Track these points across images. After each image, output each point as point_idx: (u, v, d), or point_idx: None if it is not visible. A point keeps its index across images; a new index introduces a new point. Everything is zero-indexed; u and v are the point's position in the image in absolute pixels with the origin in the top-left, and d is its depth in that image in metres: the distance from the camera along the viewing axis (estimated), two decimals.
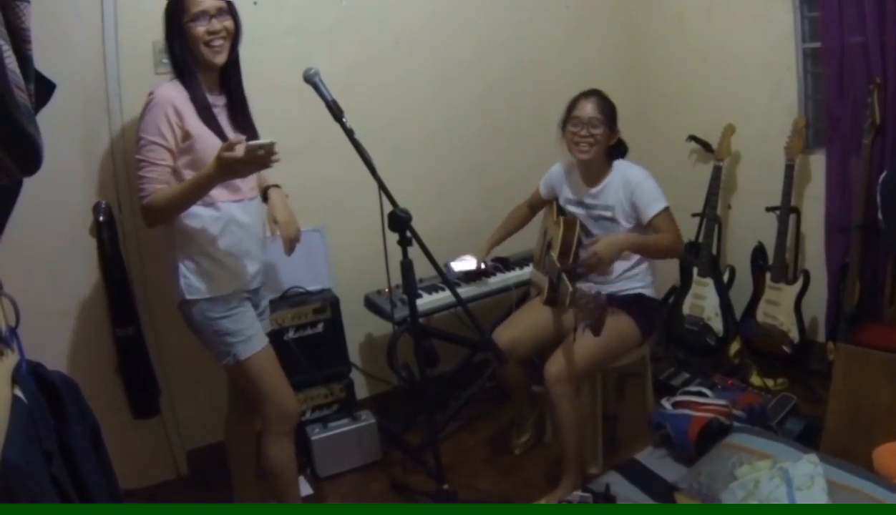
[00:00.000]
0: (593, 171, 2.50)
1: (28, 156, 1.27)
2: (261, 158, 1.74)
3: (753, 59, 3.08)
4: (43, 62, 1.48)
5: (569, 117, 2.46)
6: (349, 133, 1.91)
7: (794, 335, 2.88)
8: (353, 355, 2.98)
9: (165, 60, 2.38)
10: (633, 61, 3.57)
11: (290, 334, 2.66)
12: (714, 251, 3.17)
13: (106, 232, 2.40)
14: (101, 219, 2.39)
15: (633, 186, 2.41)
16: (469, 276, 2.86)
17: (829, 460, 2.02)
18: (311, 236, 2.75)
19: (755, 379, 2.98)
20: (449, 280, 2.08)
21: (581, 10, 3.38)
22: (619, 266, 2.51)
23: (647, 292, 2.56)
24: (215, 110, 1.97)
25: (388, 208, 1.92)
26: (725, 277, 3.15)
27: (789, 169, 2.86)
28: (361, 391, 3.00)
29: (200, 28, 1.89)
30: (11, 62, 1.21)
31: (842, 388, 2.33)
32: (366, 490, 2.62)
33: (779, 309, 2.91)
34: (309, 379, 2.69)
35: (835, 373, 2.37)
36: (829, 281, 2.88)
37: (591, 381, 2.53)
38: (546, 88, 3.21)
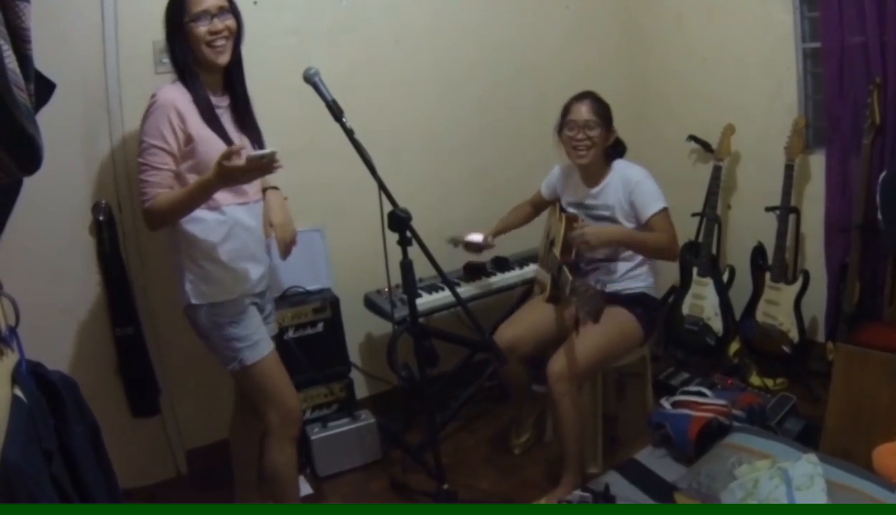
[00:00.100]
0: (593, 172, 2.51)
1: (28, 156, 1.27)
2: (263, 165, 1.72)
3: (753, 59, 3.08)
4: (43, 62, 1.48)
5: (564, 121, 2.47)
6: (349, 133, 1.91)
7: (794, 335, 2.88)
8: (353, 355, 2.98)
9: (165, 60, 2.38)
10: (633, 61, 3.57)
11: (290, 334, 2.66)
12: (714, 251, 3.17)
13: (106, 231, 2.40)
14: (100, 218, 2.39)
15: (631, 185, 2.41)
16: (471, 270, 2.89)
17: (829, 460, 2.02)
18: (311, 236, 2.75)
19: (755, 379, 2.98)
20: (449, 279, 2.08)
21: (581, 11, 3.38)
22: (623, 266, 2.52)
23: (650, 292, 2.56)
24: (219, 111, 1.95)
25: (388, 208, 1.92)
26: (725, 277, 3.15)
27: (789, 169, 2.86)
28: (361, 390, 3.00)
29: (202, 28, 1.86)
30: (11, 62, 1.21)
31: (841, 388, 2.33)
32: (366, 489, 2.62)
33: (778, 309, 2.91)
34: (309, 379, 2.69)
35: (834, 373, 2.37)
36: (829, 281, 2.88)
37: (592, 381, 2.53)
38: (546, 88, 3.21)
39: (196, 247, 1.93)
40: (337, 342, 2.78)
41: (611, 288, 2.47)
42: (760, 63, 3.05)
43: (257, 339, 2.00)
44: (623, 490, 2.40)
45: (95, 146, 2.38)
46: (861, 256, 2.66)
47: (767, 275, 2.96)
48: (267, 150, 1.71)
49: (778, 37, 2.96)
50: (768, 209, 2.96)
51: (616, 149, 2.52)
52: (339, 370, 2.81)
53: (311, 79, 1.94)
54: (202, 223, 1.92)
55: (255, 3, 2.56)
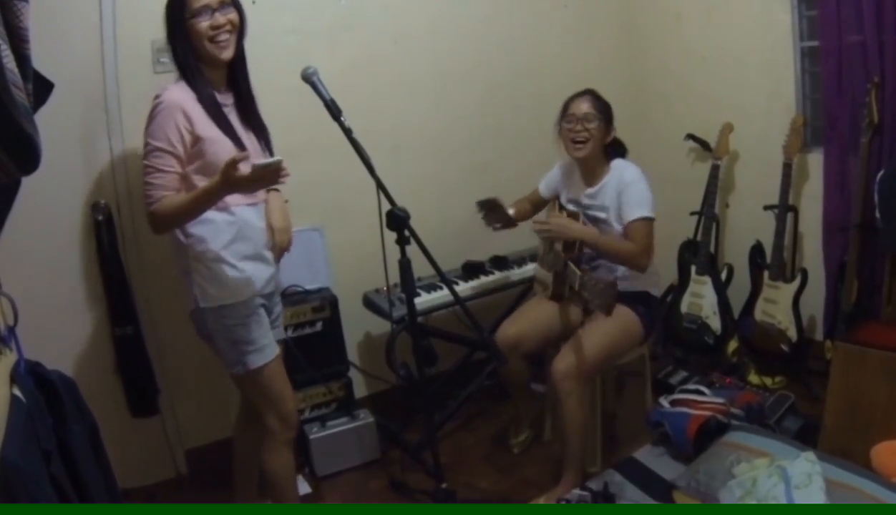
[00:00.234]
0: (591, 170, 2.50)
1: (26, 156, 1.27)
2: (269, 176, 1.70)
3: (752, 58, 3.08)
4: (41, 61, 1.49)
5: (563, 116, 2.47)
6: (347, 132, 1.91)
7: (792, 333, 2.88)
8: (352, 354, 2.98)
9: (164, 59, 2.39)
10: (632, 61, 3.57)
11: (289, 333, 2.65)
12: (712, 249, 3.18)
13: (104, 231, 2.40)
14: (99, 218, 2.38)
15: (623, 186, 2.39)
16: (469, 269, 2.92)
17: (827, 458, 2.02)
18: (309, 235, 2.75)
19: (753, 378, 2.98)
20: (447, 278, 2.08)
21: (580, 10, 3.38)
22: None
23: (651, 290, 2.56)
24: (225, 110, 1.92)
25: (387, 207, 1.92)
26: (723, 276, 3.16)
27: (787, 167, 2.86)
28: (360, 390, 3.01)
29: (204, 23, 1.82)
30: (10, 61, 1.22)
31: (839, 387, 2.33)
32: (364, 488, 2.62)
33: (777, 307, 2.92)
34: (307, 378, 2.69)
35: (832, 372, 2.37)
36: (827, 280, 2.88)
37: (591, 380, 2.53)
38: (545, 88, 3.21)
39: (205, 249, 1.89)
40: (336, 341, 2.78)
41: None
42: (759, 62, 3.06)
43: (264, 344, 1.98)
44: (622, 488, 2.41)
45: (94, 146, 2.38)
46: (859, 255, 2.66)
47: (766, 274, 2.96)
48: (272, 159, 1.69)
49: (776, 36, 2.96)
50: (766, 208, 2.96)
51: (616, 150, 2.52)
52: (338, 369, 2.81)
53: (309, 78, 1.93)
54: (211, 224, 1.89)
55: (254, 2, 2.56)
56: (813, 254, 2.97)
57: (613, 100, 2.50)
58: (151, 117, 1.83)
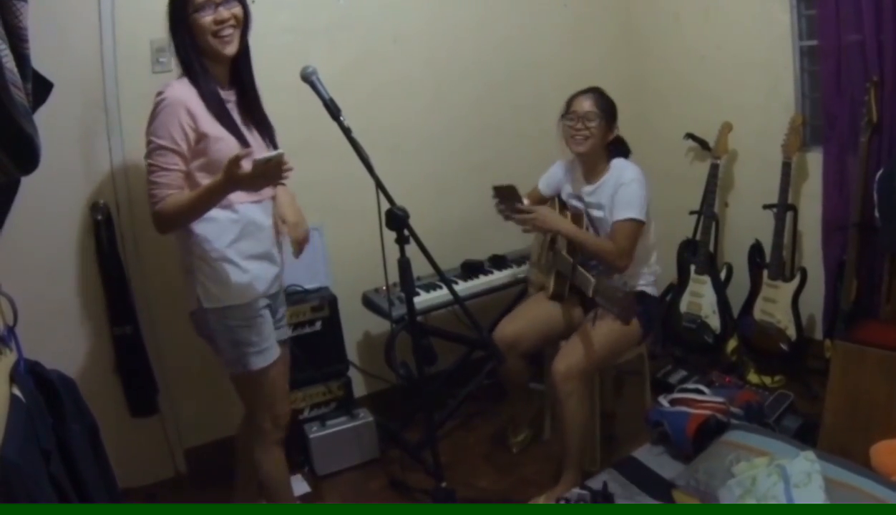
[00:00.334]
0: (592, 168, 2.49)
1: (26, 155, 1.27)
2: (272, 171, 1.67)
3: (751, 57, 3.08)
4: (40, 61, 1.49)
5: (566, 112, 2.47)
6: (346, 131, 1.90)
7: (792, 332, 2.88)
8: (351, 353, 2.98)
9: (163, 59, 2.39)
10: (631, 60, 3.57)
11: (289, 332, 2.65)
12: (711, 248, 3.18)
13: (104, 231, 2.39)
14: (98, 218, 2.38)
15: (618, 185, 2.38)
16: (468, 268, 2.92)
17: (827, 457, 2.03)
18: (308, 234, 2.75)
19: (752, 377, 2.98)
20: (446, 278, 2.08)
21: (579, 9, 3.37)
22: None
23: (650, 290, 2.56)
24: (228, 106, 1.90)
25: (386, 206, 1.92)
26: (723, 275, 3.16)
27: (786, 167, 2.86)
28: (359, 389, 3.01)
29: (207, 18, 1.78)
30: (9, 61, 1.22)
31: (839, 385, 2.33)
32: (364, 488, 2.62)
33: (776, 306, 2.92)
34: (307, 378, 2.69)
35: (832, 371, 2.37)
36: (826, 279, 2.88)
37: (590, 379, 2.53)
38: (544, 87, 3.21)
39: (208, 248, 1.86)
40: (335, 340, 2.78)
41: None
42: (758, 61, 3.06)
43: (267, 346, 1.96)
44: (621, 487, 2.41)
45: (93, 146, 2.38)
46: (858, 254, 2.66)
47: (765, 273, 2.96)
48: (273, 153, 1.66)
49: (775, 35, 2.96)
50: (766, 207, 2.96)
51: (619, 149, 2.51)
52: (338, 368, 2.81)
53: (308, 77, 1.92)
54: (214, 222, 1.86)
55: (253, 1, 2.55)
56: (812, 253, 2.97)
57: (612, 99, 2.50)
58: (154, 115, 1.80)
